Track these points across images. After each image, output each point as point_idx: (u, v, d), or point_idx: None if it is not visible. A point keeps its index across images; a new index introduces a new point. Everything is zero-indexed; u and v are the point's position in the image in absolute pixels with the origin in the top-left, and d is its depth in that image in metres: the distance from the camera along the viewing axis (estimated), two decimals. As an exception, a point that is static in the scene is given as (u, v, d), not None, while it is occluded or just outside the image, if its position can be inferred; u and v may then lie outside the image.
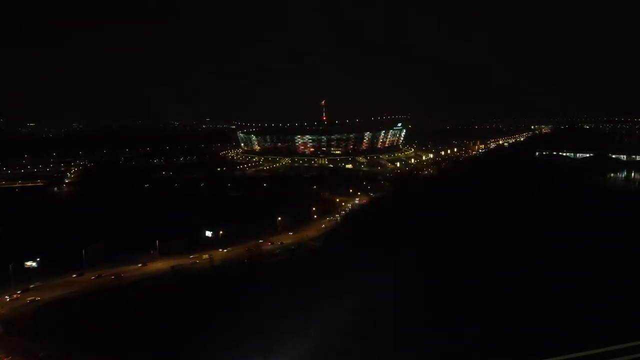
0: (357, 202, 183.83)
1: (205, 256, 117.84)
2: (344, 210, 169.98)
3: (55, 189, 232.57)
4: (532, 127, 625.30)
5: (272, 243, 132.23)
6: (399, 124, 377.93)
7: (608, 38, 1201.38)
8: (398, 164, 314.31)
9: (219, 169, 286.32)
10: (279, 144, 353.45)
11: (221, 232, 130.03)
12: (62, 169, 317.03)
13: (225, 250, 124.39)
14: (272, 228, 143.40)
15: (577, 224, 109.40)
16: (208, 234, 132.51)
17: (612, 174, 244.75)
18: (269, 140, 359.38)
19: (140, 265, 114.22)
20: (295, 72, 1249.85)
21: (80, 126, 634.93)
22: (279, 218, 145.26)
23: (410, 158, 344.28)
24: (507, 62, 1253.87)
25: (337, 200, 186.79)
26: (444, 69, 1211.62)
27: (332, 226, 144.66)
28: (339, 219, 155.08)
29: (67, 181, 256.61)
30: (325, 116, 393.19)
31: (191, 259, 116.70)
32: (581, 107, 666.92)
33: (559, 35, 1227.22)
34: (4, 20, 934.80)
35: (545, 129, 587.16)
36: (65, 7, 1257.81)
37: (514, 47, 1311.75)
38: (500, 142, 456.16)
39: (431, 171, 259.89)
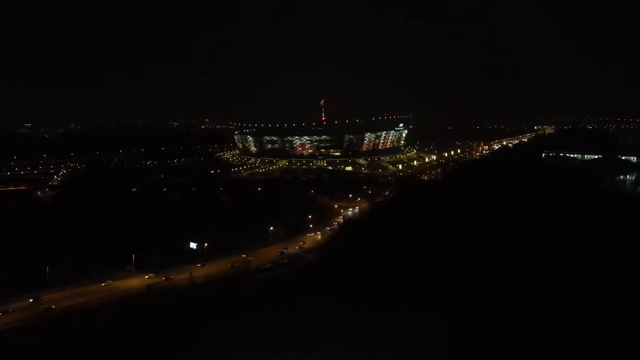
0: (357, 208, 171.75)
1: (186, 273, 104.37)
2: (343, 218, 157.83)
3: (39, 193, 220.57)
4: (536, 127, 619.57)
5: (262, 256, 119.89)
6: (401, 125, 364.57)
7: (607, 39, 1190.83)
8: (400, 166, 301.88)
9: (212, 172, 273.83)
10: (276, 145, 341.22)
11: (206, 244, 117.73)
12: (52, 171, 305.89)
13: (209, 265, 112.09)
14: (264, 238, 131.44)
15: (601, 232, 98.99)
16: (193, 245, 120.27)
17: (623, 176, 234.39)
18: (265, 141, 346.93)
19: (109, 283, 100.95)
20: (295, 72, 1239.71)
21: (78, 126, 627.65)
22: (271, 228, 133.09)
23: (412, 160, 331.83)
24: (506, 62, 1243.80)
25: (336, 206, 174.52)
26: (443, 70, 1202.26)
27: (329, 236, 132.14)
28: (337, 227, 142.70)
29: (50, 184, 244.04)
30: (324, 116, 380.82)
31: (170, 276, 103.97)
32: (580, 108, 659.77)
33: (559, 36, 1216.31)
34: (5, 20, 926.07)
35: (548, 130, 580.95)
36: (65, 7, 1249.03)
37: (513, 48, 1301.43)
38: (504, 142, 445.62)
39: (435, 174, 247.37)
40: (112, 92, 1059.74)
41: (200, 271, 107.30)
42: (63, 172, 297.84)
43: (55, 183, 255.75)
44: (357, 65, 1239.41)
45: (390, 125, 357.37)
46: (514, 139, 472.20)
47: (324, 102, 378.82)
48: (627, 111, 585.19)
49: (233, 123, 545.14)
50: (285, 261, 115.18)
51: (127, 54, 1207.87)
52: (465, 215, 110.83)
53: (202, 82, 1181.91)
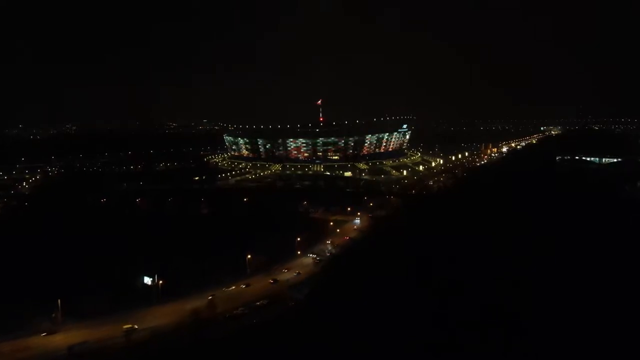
0: (356, 224, 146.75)
1: (127, 325, 78.64)
2: (340, 237, 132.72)
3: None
4: (542, 128, 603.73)
5: (234, 295, 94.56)
6: (404, 126, 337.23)
7: (607, 39, 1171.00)
8: (404, 172, 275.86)
9: (197, 178, 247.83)
10: (269, 147, 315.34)
11: (161, 282, 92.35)
12: (27, 176, 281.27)
13: (165, 309, 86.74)
14: (241, 267, 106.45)
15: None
16: (147, 280, 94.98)
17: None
18: (257, 143, 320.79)
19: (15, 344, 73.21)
20: (294, 72, 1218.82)
21: (74, 128, 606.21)
22: (249, 256, 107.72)
23: (417, 164, 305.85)
24: (507, 62, 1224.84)
25: (332, 222, 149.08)
26: (442, 70, 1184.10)
27: (321, 265, 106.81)
28: (331, 251, 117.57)
29: (13, 193, 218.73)
30: (322, 117, 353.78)
31: (106, 331, 78.22)
32: (581, 108, 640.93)
33: (560, 36, 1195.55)
34: (5, 20, 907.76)
35: (555, 131, 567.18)
36: (64, 7, 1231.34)
37: (514, 48, 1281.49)
38: (512, 144, 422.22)
39: (444, 181, 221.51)
40: (112, 93, 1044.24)
41: (150, 319, 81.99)
42: (37, 177, 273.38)
43: (24, 191, 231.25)
44: (357, 65, 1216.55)
45: (393, 127, 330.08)
46: (522, 141, 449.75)
47: (321, 102, 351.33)
48: (628, 111, 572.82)
49: (227, 124, 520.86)
50: (264, 303, 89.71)
51: (127, 54, 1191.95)
52: (482, 238, 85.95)
53: (201, 83, 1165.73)
